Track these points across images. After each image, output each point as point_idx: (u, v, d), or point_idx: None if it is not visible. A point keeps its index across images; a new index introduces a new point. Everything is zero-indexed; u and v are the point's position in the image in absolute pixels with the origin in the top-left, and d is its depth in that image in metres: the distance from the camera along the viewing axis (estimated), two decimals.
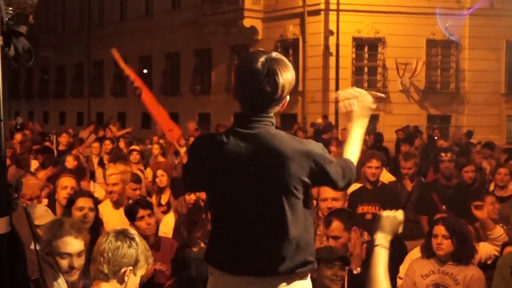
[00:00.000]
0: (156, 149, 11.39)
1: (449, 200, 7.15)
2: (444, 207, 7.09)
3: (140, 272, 3.26)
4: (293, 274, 2.88)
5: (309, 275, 2.98)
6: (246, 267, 2.83)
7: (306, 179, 2.84)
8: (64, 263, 3.46)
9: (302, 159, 2.82)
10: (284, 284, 2.85)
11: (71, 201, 5.26)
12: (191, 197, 6.49)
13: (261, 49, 3.00)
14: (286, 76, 2.83)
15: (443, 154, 7.62)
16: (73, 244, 3.51)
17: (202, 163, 2.90)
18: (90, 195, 5.59)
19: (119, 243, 3.19)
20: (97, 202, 5.61)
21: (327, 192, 5.53)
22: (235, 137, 2.84)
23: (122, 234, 3.26)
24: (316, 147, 2.88)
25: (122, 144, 13.03)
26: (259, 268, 2.83)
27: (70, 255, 3.48)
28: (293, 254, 2.86)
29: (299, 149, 2.83)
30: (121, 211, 6.15)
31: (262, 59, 2.81)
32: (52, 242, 3.46)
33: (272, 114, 2.91)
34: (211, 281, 2.98)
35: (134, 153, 10.36)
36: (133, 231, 3.37)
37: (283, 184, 2.80)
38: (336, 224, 4.62)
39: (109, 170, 6.89)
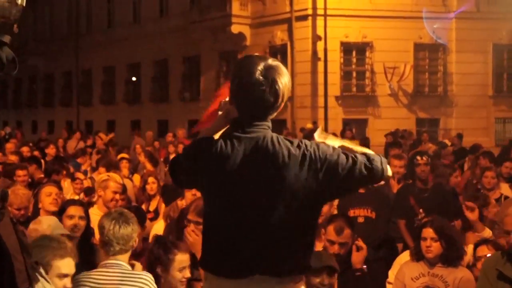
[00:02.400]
0: (141, 157, 11.36)
1: (426, 204, 7.18)
2: (421, 210, 7.12)
3: None
4: (288, 278, 2.89)
5: (304, 280, 2.99)
6: (243, 271, 2.82)
7: (311, 180, 2.83)
8: (60, 284, 3.49)
9: (303, 161, 2.83)
10: (279, 287, 2.85)
11: (62, 209, 5.27)
12: (182, 203, 6.45)
13: (256, 54, 3.02)
14: (285, 83, 2.88)
15: (418, 158, 7.66)
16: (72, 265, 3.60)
17: (199, 166, 2.90)
18: (81, 203, 5.60)
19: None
20: (88, 211, 5.61)
21: None
22: (233, 141, 2.86)
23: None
24: (315, 145, 2.88)
25: (112, 152, 13.03)
26: (256, 271, 2.82)
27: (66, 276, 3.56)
28: (290, 258, 2.87)
29: (296, 152, 2.84)
30: None
31: (260, 67, 2.83)
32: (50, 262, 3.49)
33: (269, 119, 2.95)
34: (206, 286, 2.99)
35: (124, 161, 10.35)
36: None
37: (283, 187, 2.81)
38: (347, 232, 4.70)
39: (102, 176, 6.85)
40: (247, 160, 2.83)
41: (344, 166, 2.82)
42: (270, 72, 2.83)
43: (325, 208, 4.99)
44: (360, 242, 4.76)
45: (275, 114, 2.93)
